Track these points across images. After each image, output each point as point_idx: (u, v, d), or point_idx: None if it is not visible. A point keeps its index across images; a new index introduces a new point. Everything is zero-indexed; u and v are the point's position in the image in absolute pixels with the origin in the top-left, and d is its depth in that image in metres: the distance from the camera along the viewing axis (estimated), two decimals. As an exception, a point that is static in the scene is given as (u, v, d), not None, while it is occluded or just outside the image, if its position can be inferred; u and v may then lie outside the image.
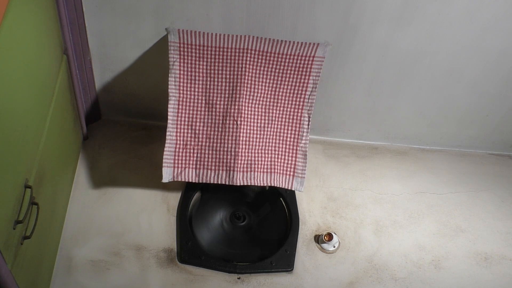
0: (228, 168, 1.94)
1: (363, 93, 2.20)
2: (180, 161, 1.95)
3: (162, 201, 2.07)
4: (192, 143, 1.96)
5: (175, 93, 1.94)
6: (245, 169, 1.95)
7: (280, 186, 2.00)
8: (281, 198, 2.15)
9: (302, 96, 1.99)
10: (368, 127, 2.38)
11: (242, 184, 1.94)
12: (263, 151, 1.99)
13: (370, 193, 2.24)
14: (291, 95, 2.00)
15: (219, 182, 1.94)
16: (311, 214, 2.12)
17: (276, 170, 2.00)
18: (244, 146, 1.96)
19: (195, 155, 1.96)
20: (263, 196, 2.20)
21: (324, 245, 2.01)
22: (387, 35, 1.93)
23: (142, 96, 2.23)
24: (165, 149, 1.94)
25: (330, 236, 2.00)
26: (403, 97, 2.21)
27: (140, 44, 1.99)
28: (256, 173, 1.96)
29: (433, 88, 2.16)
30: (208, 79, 1.95)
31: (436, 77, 2.11)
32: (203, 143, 1.96)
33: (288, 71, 1.95)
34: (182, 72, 1.93)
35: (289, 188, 2.02)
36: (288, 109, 2.01)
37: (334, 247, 2.01)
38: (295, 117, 2.02)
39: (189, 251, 1.92)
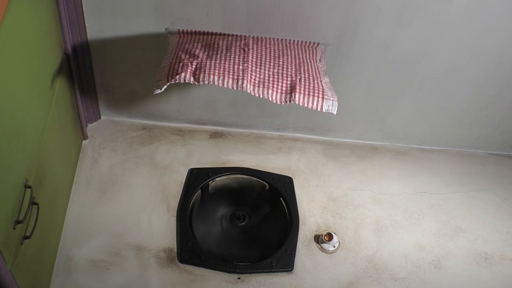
0: (236, 77, 1.66)
1: (363, 93, 2.20)
2: (175, 71, 1.67)
3: (162, 201, 2.07)
4: (191, 59, 1.71)
5: (171, 49, 1.85)
6: (256, 84, 1.67)
7: (306, 106, 1.67)
8: (281, 198, 2.15)
9: (313, 61, 1.87)
10: (368, 127, 2.38)
11: (253, 94, 1.65)
12: (280, 74, 1.72)
13: (370, 193, 2.23)
14: (300, 58, 1.85)
15: (224, 86, 1.64)
16: (311, 214, 2.12)
17: (299, 91, 1.68)
18: (254, 65, 1.72)
19: (193, 65, 1.68)
20: (263, 196, 2.20)
21: (324, 245, 2.01)
22: (387, 35, 1.93)
23: (142, 96, 2.24)
24: (158, 70, 1.74)
25: (330, 236, 2.00)
26: (403, 97, 2.21)
27: (140, 44, 1.99)
28: (271, 90, 1.66)
29: (433, 88, 2.16)
30: (208, 44, 1.86)
31: (436, 77, 2.11)
32: (203, 59, 1.72)
33: (293, 52, 1.90)
34: (180, 40, 1.89)
35: (319, 109, 1.67)
36: (302, 58, 1.84)
37: (334, 247, 2.01)
38: (311, 65, 1.83)
39: (189, 251, 1.91)
